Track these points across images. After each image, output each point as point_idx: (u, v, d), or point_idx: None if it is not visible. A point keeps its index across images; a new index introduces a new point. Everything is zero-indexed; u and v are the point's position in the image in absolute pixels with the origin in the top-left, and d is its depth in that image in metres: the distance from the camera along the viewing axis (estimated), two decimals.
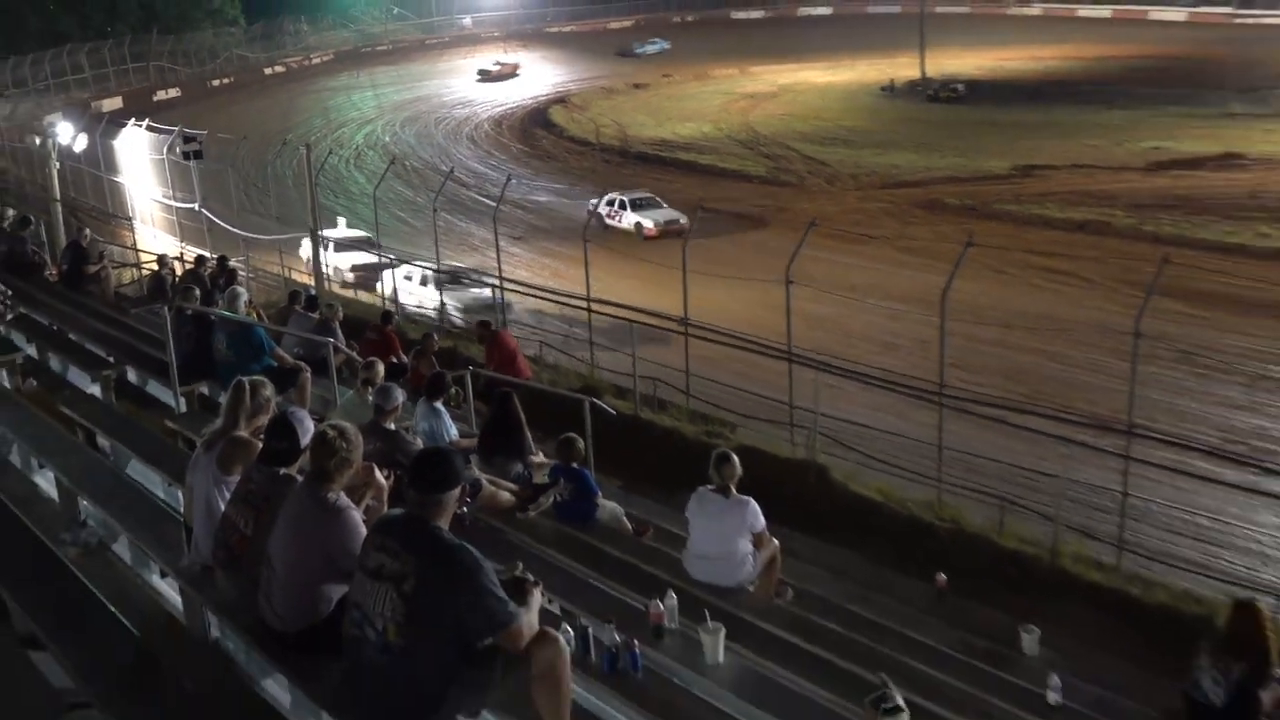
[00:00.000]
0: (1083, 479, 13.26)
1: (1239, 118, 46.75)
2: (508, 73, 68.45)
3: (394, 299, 23.41)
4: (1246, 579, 12.11)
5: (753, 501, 7.86)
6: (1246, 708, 6.92)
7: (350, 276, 26.60)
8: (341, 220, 29.14)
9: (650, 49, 78.07)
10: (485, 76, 67.55)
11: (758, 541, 7.93)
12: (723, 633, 6.22)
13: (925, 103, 56.56)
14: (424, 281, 24.39)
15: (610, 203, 33.51)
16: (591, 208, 32.28)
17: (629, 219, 33.07)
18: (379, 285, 25.20)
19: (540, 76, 69.68)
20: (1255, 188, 35.37)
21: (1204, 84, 53.77)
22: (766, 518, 7.97)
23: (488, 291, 22.50)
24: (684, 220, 30.51)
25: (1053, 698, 6.92)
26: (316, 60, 75.62)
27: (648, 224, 32.54)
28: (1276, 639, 7.18)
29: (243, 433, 5.85)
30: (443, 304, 23.18)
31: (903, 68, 61.75)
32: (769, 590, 8.23)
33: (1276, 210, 32.22)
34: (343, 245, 27.65)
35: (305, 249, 25.99)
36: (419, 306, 23.78)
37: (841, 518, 12.58)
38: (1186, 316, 21.33)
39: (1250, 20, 76.80)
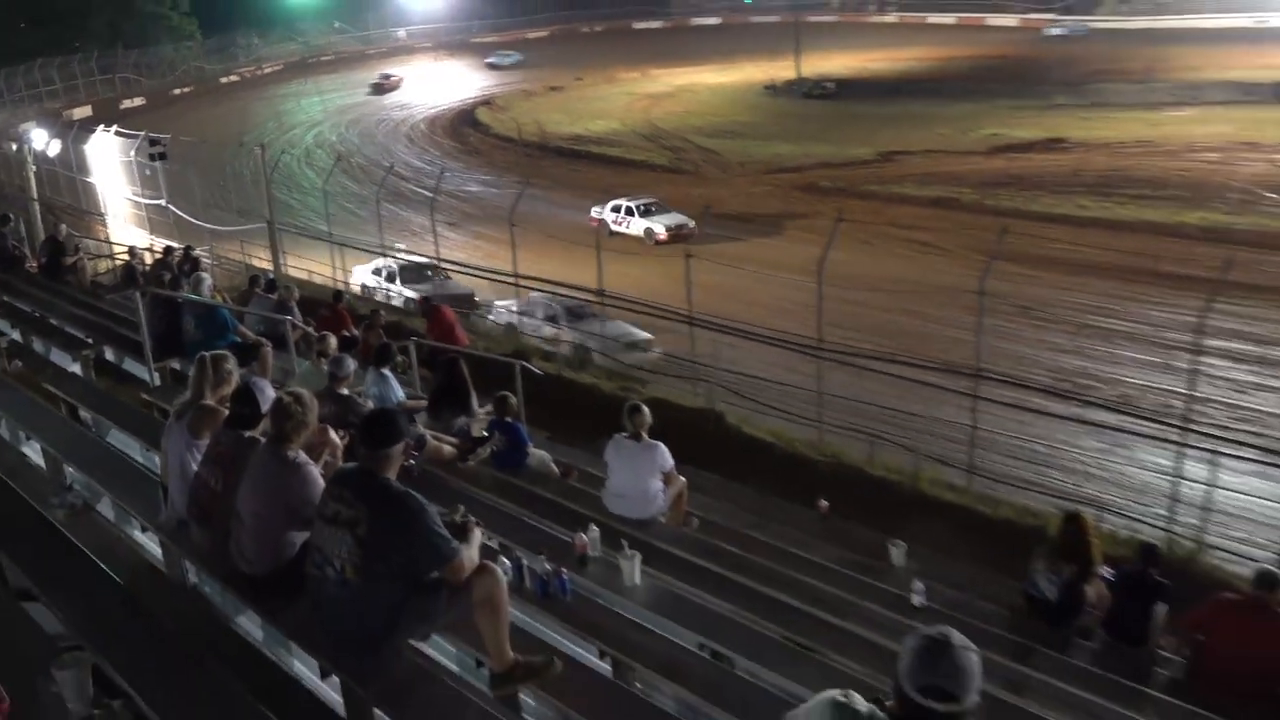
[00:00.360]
0: (939, 416, 13.57)
1: (1061, 108, 47.77)
2: (393, 85, 65.34)
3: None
4: (1073, 494, 12.49)
5: (662, 445, 7.90)
6: (1075, 601, 7.19)
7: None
8: (400, 247, 24.64)
9: (505, 61, 74.45)
10: (377, 89, 64.49)
11: (667, 479, 7.98)
12: (639, 558, 6.26)
13: (802, 100, 56.79)
14: (552, 319, 19.44)
15: (616, 209, 30.60)
16: (596, 215, 30.16)
17: (638, 225, 29.87)
18: (491, 319, 20.46)
19: (471, 82, 68.45)
20: (1076, 167, 36.26)
21: (1032, 79, 54.86)
22: (675, 459, 8.03)
23: (627, 327, 18.35)
24: (692, 224, 28.70)
25: (917, 600, 7.08)
26: (268, 70, 73.34)
27: (659, 229, 29.34)
28: (1099, 543, 7.46)
29: (209, 401, 5.71)
30: (585, 349, 18.36)
31: (782, 69, 61.82)
32: (678, 520, 8.31)
33: (1094, 186, 33.11)
34: (409, 275, 22.66)
35: (357, 276, 23.62)
36: (552, 348, 18.43)
37: (738, 456, 12.71)
38: (1023, 277, 21.70)
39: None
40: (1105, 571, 7.35)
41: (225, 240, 24.81)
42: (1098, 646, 7.04)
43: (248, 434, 5.15)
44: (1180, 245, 25.30)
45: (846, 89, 57.85)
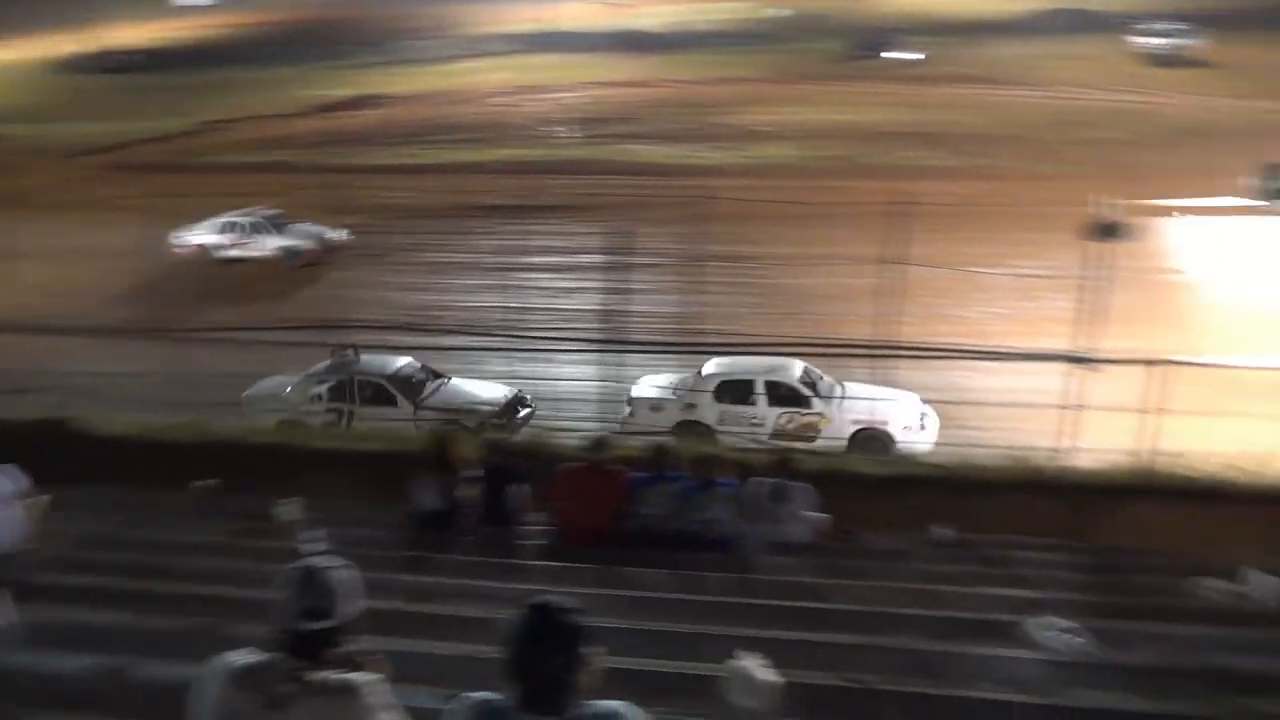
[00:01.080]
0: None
1: (367, 66, 49.31)
2: None
3: None
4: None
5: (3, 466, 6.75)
6: (453, 506, 7.76)
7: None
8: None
9: None
10: None
11: (19, 504, 6.86)
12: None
13: (107, 74, 51.35)
14: (790, 400, 13.51)
15: (229, 227, 23.03)
16: (186, 241, 22.68)
17: (269, 243, 22.89)
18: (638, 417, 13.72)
19: None
20: (389, 121, 37.98)
21: (339, 40, 55.65)
22: (34, 479, 6.88)
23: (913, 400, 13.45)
24: (343, 234, 22.35)
25: (308, 547, 6.91)
26: None
27: (305, 245, 22.70)
28: (462, 451, 8.07)
29: None
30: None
31: (74, 43, 55.15)
32: (46, 543, 7.23)
33: (408, 136, 35.15)
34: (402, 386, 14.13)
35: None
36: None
37: (104, 459, 11.30)
38: (370, 226, 22.16)
39: None
40: (475, 473, 7.98)
41: None
42: (481, 539, 7.66)
43: None
44: (491, 180, 27.72)
45: (156, 59, 53.47)
